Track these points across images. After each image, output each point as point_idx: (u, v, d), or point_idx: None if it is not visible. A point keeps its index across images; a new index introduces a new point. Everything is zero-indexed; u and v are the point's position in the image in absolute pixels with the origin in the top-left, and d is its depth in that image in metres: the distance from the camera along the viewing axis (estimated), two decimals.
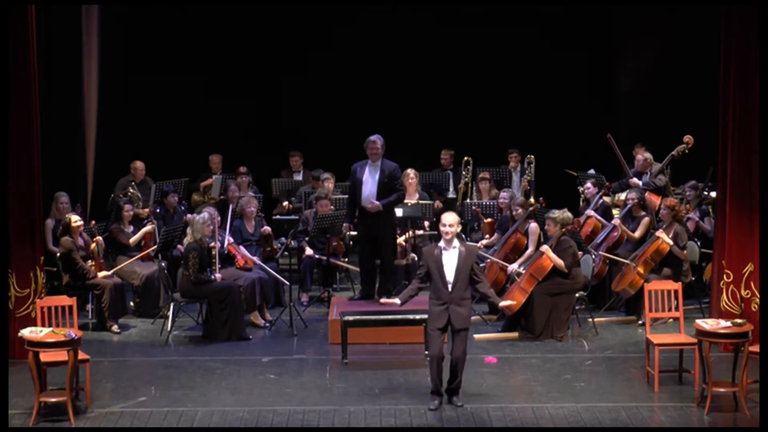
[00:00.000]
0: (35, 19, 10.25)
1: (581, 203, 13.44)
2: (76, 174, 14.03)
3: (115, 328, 11.30)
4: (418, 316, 10.18)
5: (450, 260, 8.95)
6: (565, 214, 11.10)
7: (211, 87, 15.63)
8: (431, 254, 9.02)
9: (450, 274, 8.93)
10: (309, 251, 12.33)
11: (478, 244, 12.44)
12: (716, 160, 10.50)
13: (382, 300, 10.05)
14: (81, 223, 11.39)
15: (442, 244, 9.02)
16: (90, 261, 11.39)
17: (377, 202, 11.14)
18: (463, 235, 12.56)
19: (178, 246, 12.16)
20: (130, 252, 12.02)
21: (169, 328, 11.16)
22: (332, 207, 12.53)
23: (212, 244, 11.16)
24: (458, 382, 9.10)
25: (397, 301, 9.37)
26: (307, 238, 12.43)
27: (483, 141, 15.02)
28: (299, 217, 13.40)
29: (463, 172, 14.41)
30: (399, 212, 11.87)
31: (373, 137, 11.30)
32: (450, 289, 8.93)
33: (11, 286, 10.15)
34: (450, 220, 9.00)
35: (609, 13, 15.64)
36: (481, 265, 11.90)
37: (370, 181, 11.24)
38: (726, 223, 10.25)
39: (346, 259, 12.77)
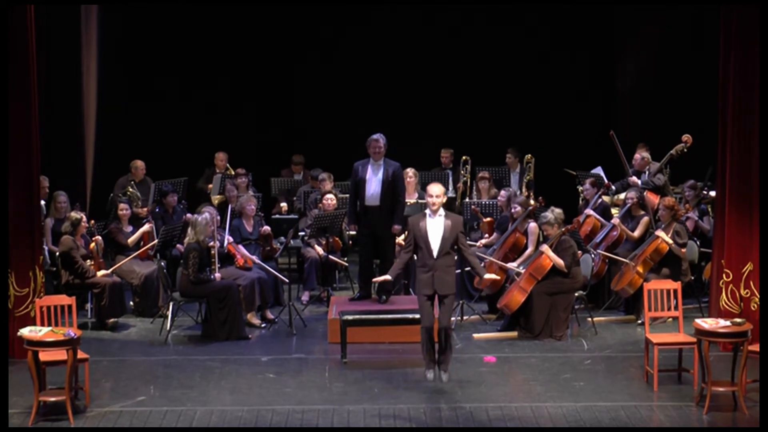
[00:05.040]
0: (35, 19, 10.25)
1: (581, 203, 13.44)
2: (76, 174, 14.04)
3: (113, 320, 11.32)
4: (417, 315, 10.16)
5: (435, 228, 9.18)
6: (555, 212, 11.11)
7: (211, 86, 15.64)
8: (417, 223, 9.26)
9: (435, 241, 9.16)
10: (319, 249, 12.35)
11: (478, 244, 12.47)
12: (715, 160, 10.50)
13: (375, 279, 10.18)
14: (86, 224, 11.48)
15: (428, 212, 9.20)
16: (89, 260, 11.41)
17: (399, 226, 11.33)
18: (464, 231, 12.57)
19: (178, 245, 12.17)
20: (128, 252, 12.03)
21: (168, 328, 11.16)
22: (335, 203, 12.56)
23: (211, 243, 11.16)
24: (448, 352, 9.29)
25: (387, 276, 9.62)
26: (305, 237, 12.49)
27: (483, 140, 15.03)
28: (301, 217, 13.46)
29: (462, 172, 14.42)
30: None
31: (375, 136, 11.32)
32: (435, 255, 9.13)
33: (11, 285, 10.15)
34: (436, 190, 9.21)
35: (609, 13, 15.65)
36: (481, 264, 11.91)
37: (374, 180, 11.27)
38: (725, 222, 10.25)
39: (345, 259, 12.77)
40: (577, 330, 11.25)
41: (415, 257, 9.51)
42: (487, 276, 9.68)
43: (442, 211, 9.23)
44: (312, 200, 13.34)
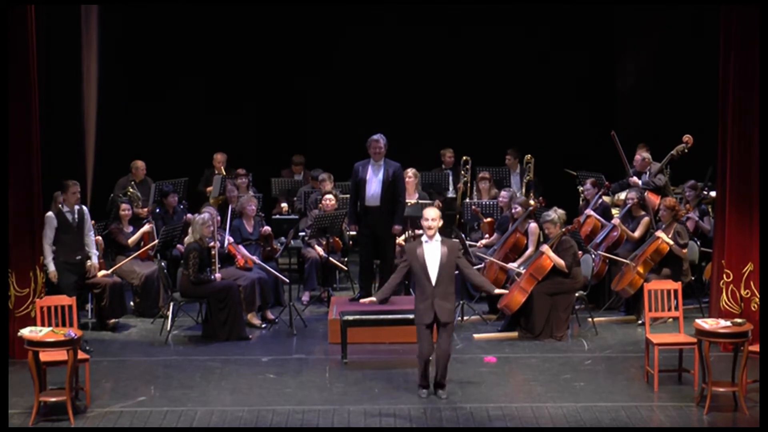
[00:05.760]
0: (35, 19, 10.25)
1: (581, 203, 13.44)
2: (76, 174, 14.01)
3: (113, 321, 11.34)
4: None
5: (433, 255, 9.06)
6: (558, 212, 11.13)
7: (211, 87, 15.65)
8: (413, 251, 9.13)
9: (433, 268, 9.03)
10: (319, 249, 12.35)
11: (478, 244, 12.47)
12: (716, 160, 10.50)
13: (362, 300, 10.12)
14: None
15: (424, 239, 9.12)
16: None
17: (399, 227, 11.30)
18: (463, 235, 12.58)
19: (178, 246, 12.17)
20: (129, 252, 12.03)
21: (168, 328, 11.16)
22: (335, 204, 12.56)
23: (212, 244, 11.16)
24: (444, 376, 9.21)
25: (374, 299, 9.57)
26: (305, 237, 12.51)
27: (483, 141, 15.03)
28: (301, 218, 13.46)
29: (462, 172, 14.43)
30: None
31: (376, 136, 11.34)
32: (434, 283, 9.02)
33: (11, 285, 10.16)
34: (432, 214, 9.12)
35: (609, 13, 15.65)
36: (481, 265, 11.93)
37: (374, 181, 11.29)
38: (725, 222, 10.25)
39: (345, 259, 12.77)
40: (577, 330, 11.25)
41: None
42: (498, 291, 9.66)
43: (438, 237, 9.11)
44: (312, 200, 13.35)
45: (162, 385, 9.63)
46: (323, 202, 12.57)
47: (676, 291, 9.85)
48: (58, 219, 10.84)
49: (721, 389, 8.95)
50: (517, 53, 15.67)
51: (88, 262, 11.10)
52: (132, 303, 12.03)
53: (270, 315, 11.63)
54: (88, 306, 11.57)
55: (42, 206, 10.57)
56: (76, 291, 10.68)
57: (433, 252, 9.05)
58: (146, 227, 12.24)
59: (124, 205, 12.31)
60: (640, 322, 11.29)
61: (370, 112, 15.14)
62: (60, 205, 10.90)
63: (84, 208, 11.11)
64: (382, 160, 11.30)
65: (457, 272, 9.26)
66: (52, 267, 10.73)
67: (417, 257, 9.07)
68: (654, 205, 12.30)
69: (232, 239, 11.81)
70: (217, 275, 11.12)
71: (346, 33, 15.74)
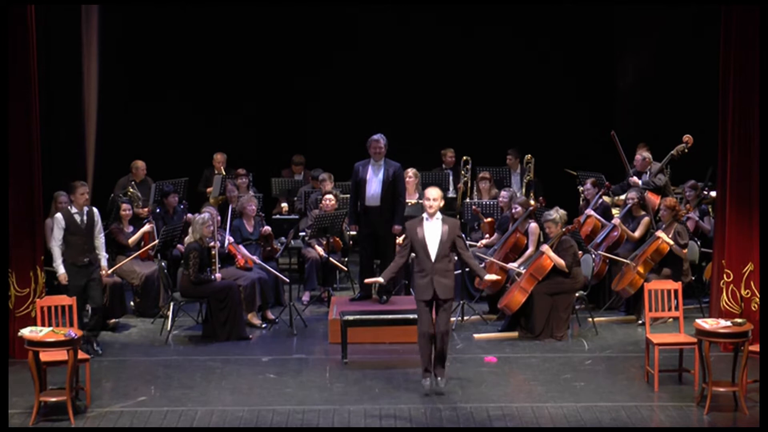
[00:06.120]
0: (35, 19, 10.25)
1: (581, 203, 13.44)
2: (76, 174, 14.02)
3: (113, 321, 11.33)
4: (416, 316, 10.16)
5: (433, 232, 9.18)
6: (560, 212, 11.14)
7: (211, 87, 15.64)
8: (414, 228, 9.26)
9: (433, 245, 9.16)
10: (319, 249, 12.35)
11: (478, 244, 12.47)
12: (716, 160, 10.51)
13: (366, 280, 10.19)
14: None
15: (425, 216, 9.22)
16: None
17: (400, 227, 11.23)
18: (463, 235, 12.56)
19: (178, 246, 12.17)
20: (129, 252, 12.03)
21: (168, 328, 11.17)
22: (335, 204, 12.56)
23: (212, 243, 11.16)
24: (443, 357, 9.25)
25: (380, 279, 9.64)
26: (306, 237, 12.51)
27: (483, 141, 15.03)
28: (302, 217, 13.45)
29: (462, 172, 14.43)
30: None
31: (376, 136, 11.35)
32: (433, 259, 9.11)
33: (11, 285, 10.16)
34: (433, 194, 9.23)
35: (609, 13, 15.65)
36: (481, 265, 11.91)
37: (374, 181, 11.30)
38: (726, 222, 10.26)
39: (346, 259, 12.76)
40: (577, 330, 11.25)
41: (413, 255, 9.48)
42: (488, 277, 9.68)
43: (439, 215, 9.23)
44: (313, 200, 13.35)
45: (162, 385, 9.63)
46: (323, 202, 12.58)
47: (676, 291, 9.86)
48: (66, 220, 10.68)
49: (721, 389, 8.96)
50: (517, 53, 15.67)
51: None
52: (132, 303, 12.03)
53: (270, 315, 11.63)
54: (89, 306, 11.53)
55: (42, 206, 10.56)
56: (83, 294, 10.54)
57: (433, 229, 9.18)
58: (146, 227, 12.24)
59: (124, 205, 12.30)
60: (640, 322, 11.29)
61: (370, 112, 15.14)
62: (69, 207, 10.81)
63: (94, 209, 10.75)
64: (383, 160, 11.31)
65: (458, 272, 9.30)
66: (62, 269, 10.51)
67: (417, 234, 9.20)
68: (654, 205, 12.30)
69: (232, 239, 11.81)
70: (218, 275, 11.12)
71: (346, 33, 15.73)
